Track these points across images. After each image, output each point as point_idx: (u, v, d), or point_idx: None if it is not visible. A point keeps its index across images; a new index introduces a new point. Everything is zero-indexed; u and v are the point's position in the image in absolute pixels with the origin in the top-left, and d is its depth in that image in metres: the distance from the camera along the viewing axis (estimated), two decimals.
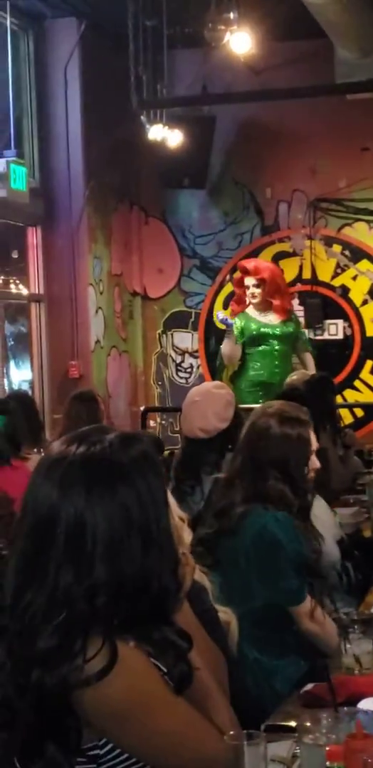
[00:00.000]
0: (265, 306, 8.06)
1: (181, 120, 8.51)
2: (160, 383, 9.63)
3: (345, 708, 2.11)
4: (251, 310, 8.14)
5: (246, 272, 8.13)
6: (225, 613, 2.75)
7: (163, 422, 9.41)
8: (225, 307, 9.01)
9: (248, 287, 8.08)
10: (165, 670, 1.90)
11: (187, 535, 2.53)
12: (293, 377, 6.70)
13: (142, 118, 7.99)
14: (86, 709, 1.83)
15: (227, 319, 7.95)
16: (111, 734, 1.86)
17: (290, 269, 9.36)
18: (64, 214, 8.52)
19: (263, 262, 8.60)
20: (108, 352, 9.03)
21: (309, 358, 8.38)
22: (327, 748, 1.77)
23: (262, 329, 8.00)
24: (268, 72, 8.75)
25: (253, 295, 8.05)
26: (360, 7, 6.48)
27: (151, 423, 9.44)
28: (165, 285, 9.64)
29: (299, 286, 9.35)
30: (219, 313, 8.46)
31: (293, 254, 9.39)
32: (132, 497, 1.89)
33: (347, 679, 2.60)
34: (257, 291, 8.01)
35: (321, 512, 3.90)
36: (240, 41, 6.74)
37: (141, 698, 1.84)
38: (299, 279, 9.36)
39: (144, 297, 9.66)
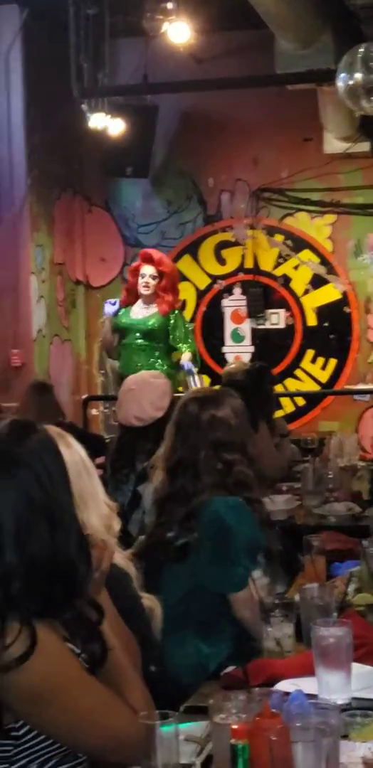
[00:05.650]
0: (151, 299, 7.22)
1: (124, 109, 8.50)
2: (102, 372, 9.63)
3: (257, 689, 2.15)
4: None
5: (148, 260, 7.32)
6: (149, 600, 2.79)
7: (106, 411, 9.42)
8: None
9: (143, 276, 7.20)
10: (79, 651, 1.95)
11: (116, 524, 2.56)
12: (231, 366, 6.74)
13: (83, 106, 7.97)
14: (5, 694, 1.86)
15: (111, 303, 7.23)
16: (27, 717, 1.89)
17: (232, 259, 9.42)
18: (6, 202, 8.47)
19: (166, 257, 7.95)
20: (50, 340, 9.02)
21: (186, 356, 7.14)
22: (234, 727, 1.80)
23: (128, 322, 7.16)
24: (209, 62, 8.78)
25: (146, 285, 7.19)
26: None
27: (94, 411, 9.46)
28: (108, 274, 9.64)
29: (241, 276, 9.41)
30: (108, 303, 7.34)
31: (236, 244, 9.44)
32: (31, 480, 1.94)
33: (265, 662, 2.65)
34: (152, 282, 7.18)
35: None
36: (179, 31, 6.78)
37: (57, 680, 1.90)
38: (241, 268, 9.41)
39: (87, 286, 9.65)
